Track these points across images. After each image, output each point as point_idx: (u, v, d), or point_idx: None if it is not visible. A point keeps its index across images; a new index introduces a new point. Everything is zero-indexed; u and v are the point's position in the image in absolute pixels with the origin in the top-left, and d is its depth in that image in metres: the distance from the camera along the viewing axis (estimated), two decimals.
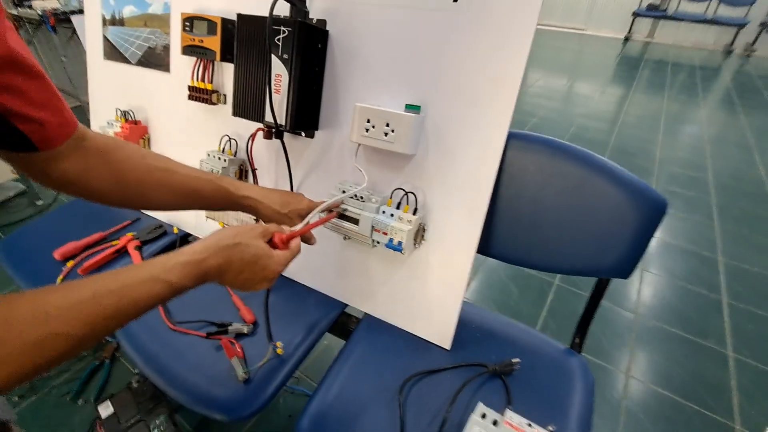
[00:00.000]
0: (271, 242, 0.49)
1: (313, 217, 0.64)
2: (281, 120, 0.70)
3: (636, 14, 6.29)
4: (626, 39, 6.56)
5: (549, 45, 6.08)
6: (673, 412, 1.13)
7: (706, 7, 5.93)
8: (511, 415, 0.56)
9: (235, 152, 0.87)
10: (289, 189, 0.81)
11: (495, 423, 0.55)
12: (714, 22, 5.84)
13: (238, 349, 0.74)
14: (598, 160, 0.60)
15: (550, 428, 0.61)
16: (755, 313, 1.47)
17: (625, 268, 0.63)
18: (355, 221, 0.70)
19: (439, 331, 0.75)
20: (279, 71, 0.68)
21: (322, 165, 0.79)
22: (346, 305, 0.84)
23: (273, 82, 0.68)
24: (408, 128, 0.64)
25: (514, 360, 0.70)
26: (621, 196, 0.59)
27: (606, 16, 6.58)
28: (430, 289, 0.74)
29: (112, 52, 1.04)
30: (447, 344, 0.75)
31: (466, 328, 0.78)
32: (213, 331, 0.78)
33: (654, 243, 1.83)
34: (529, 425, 0.54)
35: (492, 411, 0.57)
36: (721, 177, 2.45)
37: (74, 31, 2.13)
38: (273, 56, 0.67)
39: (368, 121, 0.66)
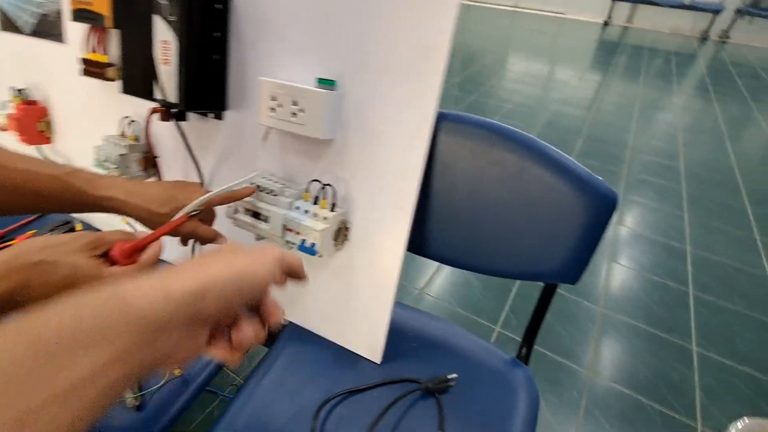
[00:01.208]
0: (110, 255, 0.38)
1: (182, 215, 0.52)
2: (173, 98, 0.58)
3: None
4: (605, 24, 6.51)
5: (528, 29, 5.98)
6: (634, 413, 1.08)
7: None
8: None
9: (138, 138, 0.74)
10: (199, 181, 0.70)
11: None
12: (691, 7, 5.84)
13: None
14: (540, 146, 0.50)
15: None
16: (721, 306, 1.44)
17: (573, 271, 0.54)
18: (266, 219, 0.59)
19: (369, 342, 0.66)
20: (166, 37, 0.56)
21: (235, 152, 0.67)
22: None
23: (160, 52, 0.56)
24: (320, 107, 0.53)
25: (450, 376, 0.62)
26: (566, 188, 0.50)
27: (585, 0, 6.51)
28: (357, 295, 0.64)
29: (5, 22, 0.89)
30: (377, 357, 0.65)
31: (400, 338, 0.69)
32: None
33: (623, 233, 1.78)
34: None
35: None
36: (693, 166, 2.42)
37: None
38: (157, 18, 0.55)
39: (274, 99, 0.55)
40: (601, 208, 0.49)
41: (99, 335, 0.19)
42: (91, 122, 0.82)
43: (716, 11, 5.75)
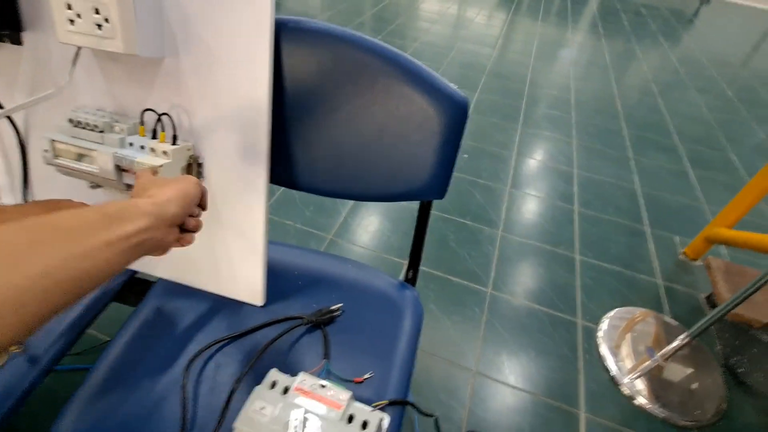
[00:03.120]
0: None
1: None
2: None
3: None
4: None
5: None
6: (527, 318, 1.21)
7: None
8: (303, 379, 0.46)
9: None
10: (16, 136, 0.57)
11: (286, 390, 0.45)
12: None
13: None
14: (387, 51, 0.47)
15: (367, 376, 0.54)
16: (599, 218, 1.62)
17: (438, 185, 0.54)
18: (94, 161, 0.50)
19: (247, 286, 0.62)
20: None
21: (46, 84, 0.55)
22: (135, 272, 0.67)
23: None
24: (129, 14, 0.44)
25: (334, 306, 0.61)
26: (417, 96, 0.47)
27: None
28: (225, 238, 0.59)
29: None
30: (258, 300, 0.62)
31: (284, 277, 0.66)
32: None
33: (521, 162, 1.90)
34: (323, 387, 0.45)
35: (285, 376, 0.47)
36: (582, 96, 2.62)
37: None
38: None
39: (69, 6, 0.44)
40: (455, 114, 0.48)
41: (125, 216, 0.32)
42: None
43: None
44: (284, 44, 0.48)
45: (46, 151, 0.51)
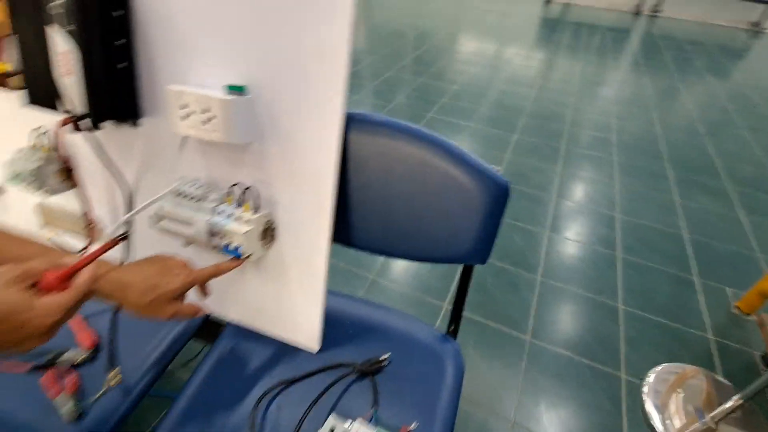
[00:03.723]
0: (42, 284, 0.37)
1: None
2: (81, 108, 0.57)
3: None
4: (547, 1, 6.69)
5: (476, 7, 6.05)
6: (567, 368, 1.20)
7: None
8: (358, 427, 0.52)
9: (54, 148, 0.72)
10: (126, 197, 0.69)
11: None
12: None
13: (69, 383, 0.64)
14: (437, 140, 0.55)
15: (412, 427, 0.59)
16: (643, 265, 1.59)
17: (480, 253, 0.60)
18: (191, 225, 0.60)
19: (305, 333, 0.69)
20: (65, 47, 0.54)
21: (155, 159, 0.67)
22: (209, 315, 0.76)
23: (61, 62, 0.55)
24: (230, 113, 0.54)
25: (383, 357, 0.67)
26: (465, 178, 0.54)
27: None
28: (290, 289, 0.67)
29: None
30: (314, 346, 0.69)
31: (337, 325, 0.73)
32: (40, 364, 0.66)
33: (561, 205, 1.91)
34: None
35: (342, 421, 0.53)
36: (624, 136, 2.60)
37: None
38: (55, 29, 0.54)
39: (185, 107, 0.55)
40: (496, 194, 0.54)
41: None
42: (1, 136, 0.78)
43: None
44: (351, 131, 0.57)
45: (151, 216, 0.62)
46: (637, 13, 6.43)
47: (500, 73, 3.54)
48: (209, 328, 0.77)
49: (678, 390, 1.18)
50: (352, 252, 1.59)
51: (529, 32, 5.10)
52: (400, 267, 1.50)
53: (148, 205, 0.59)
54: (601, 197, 1.99)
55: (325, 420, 0.56)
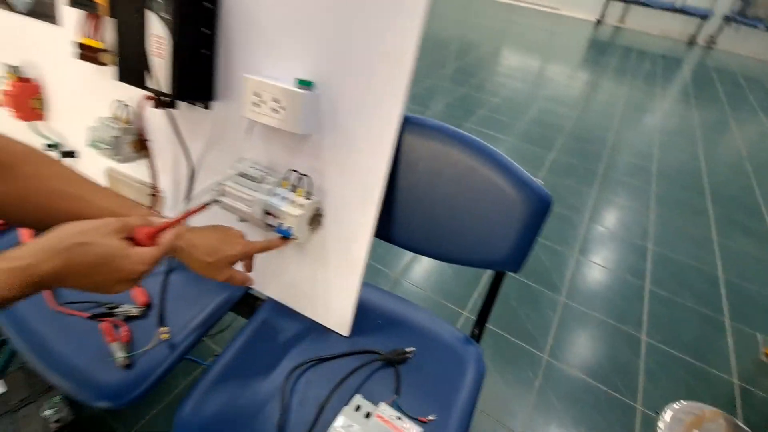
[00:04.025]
0: (135, 238, 0.44)
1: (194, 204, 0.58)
2: (165, 88, 0.63)
3: None
4: (598, 22, 6.57)
5: (522, 23, 6.01)
6: (582, 392, 1.19)
7: None
8: (383, 408, 0.55)
9: (130, 120, 0.79)
10: (189, 171, 0.76)
11: (368, 415, 0.55)
12: (681, 11, 5.94)
13: (123, 333, 0.70)
14: (488, 149, 0.58)
15: (431, 418, 0.62)
16: (672, 300, 1.56)
17: (515, 261, 0.62)
18: (249, 203, 0.65)
19: (338, 317, 0.73)
20: (159, 32, 0.61)
21: (220, 139, 0.73)
22: (250, 288, 0.81)
23: (154, 45, 0.61)
24: (298, 106, 0.59)
25: (408, 349, 0.70)
26: (510, 188, 0.57)
27: None
28: (329, 274, 0.71)
29: None
30: (345, 330, 0.73)
31: (368, 314, 0.76)
32: (99, 313, 0.73)
33: (592, 230, 1.89)
34: (399, 419, 0.54)
35: (367, 403, 0.57)
36: (665, 167, 2.54)
37: None
38: (151, 15, 0.60)
39: (257, 95, 0.61)
40: (538, 207, 0.57)
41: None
42: (83, 103, 0.86)
43: (705, 16, 5.86)
44: (406, 132, 0.61)
45: (214, 190, 0.68)
46: (691, 42, 6.22)
47: (542, 91, 3.51)
48: (246, 301, 0.82)
49: (695, 430, 1.15)
50: (379, 250, 1.63)
51: (576, 52, 5.03)
52: (423, 270, 1.53)
53: (216, 184, 0.64)
54: (635, 226, 1.95)
55: (350, 399, 0.60)
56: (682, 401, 1.24)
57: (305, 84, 0.60)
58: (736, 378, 1.30)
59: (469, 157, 0.58)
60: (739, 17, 5.78)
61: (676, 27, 6.30)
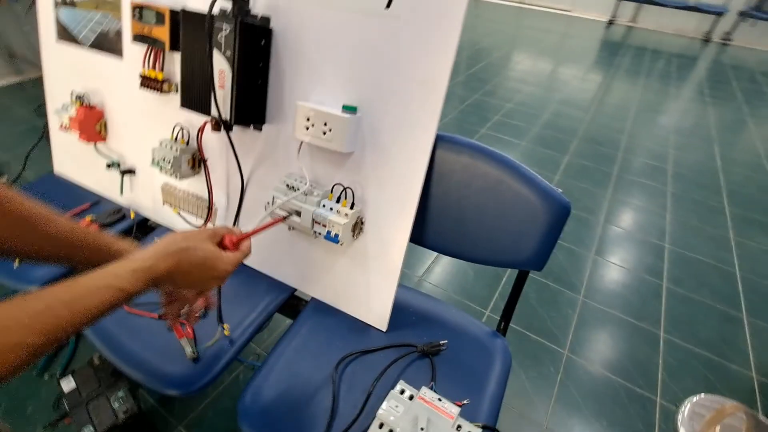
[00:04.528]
0: (221, 244, 0.53)
1: (264, 219, 0.68)
2: (225, 114, 0.73)
3: None
4: (610, 22, 6.57)
5: (534, 26, 6.05)
6: (602, 386, 1.25)
7: None
8: (425, 392, 0.63)
9: (188, 141, 0.89)
10: (240, 186, 0.85)
11: (411, 398, 0.62)
12: (695, 9, 5.90)
13: (189, 330, 0.79)
14: (513, 163, 0.65)
15: (465, 402, 0.69)
16: (690, 297, 1.59)
17: (538, 261, 0.69)
18: (299, 213, 0.74)
19: (377, 314, 0.81)
20: (222, 67, 0.70)
21: (270, 158, 0.82)
22: (295, 289, 0.90)
23: (216, 78, 0.71)
24: (344, 128, 0.68)
25: (442, 342, 0.78)
26: (533, 197, 0.64)
27: None
28: (369, 276, 0.80)
29: (65, 34, 1.03)
30: (383, 326, 0.81)
31: (402, 312, 0.84)
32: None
33: (608, 230, 1.93)
34: (440, 400, 0.61)
35: (410, 387, 0.64)
36: (680, 167, 2.56)
37: (34, 1, 2.05)
38: (216, 53, 0.70)
39: (308, 119, 0.69)
40: (558, 213, 0.64)
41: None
42: (142, 126, 0.97)
43: (719, 13, 5.81)
44: (439, 149, 0.69)
45: (268, 203, 0.77)
46: (706, 39, 6.17)
47: (555, 94, 3.55)
48: (293, 302, 0.91)
49: (717, 425, 1.19)
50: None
51: (588, 54, 5.05)
52: (446, 272, 1.60)
53: (273, 203, 0.73)
54: (651, 226, 1.99)
55: (393, 385, 0.67)
56: (702, 394, 1.28)
57: (350, 109, 0.69)
58: (755, 372, 1.34)
59: (496, 169, 0.66)
60: (755, 12, 5.71)
61: (690, 25, 6.25)
